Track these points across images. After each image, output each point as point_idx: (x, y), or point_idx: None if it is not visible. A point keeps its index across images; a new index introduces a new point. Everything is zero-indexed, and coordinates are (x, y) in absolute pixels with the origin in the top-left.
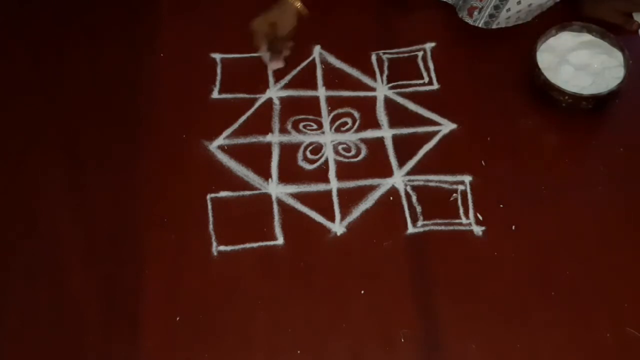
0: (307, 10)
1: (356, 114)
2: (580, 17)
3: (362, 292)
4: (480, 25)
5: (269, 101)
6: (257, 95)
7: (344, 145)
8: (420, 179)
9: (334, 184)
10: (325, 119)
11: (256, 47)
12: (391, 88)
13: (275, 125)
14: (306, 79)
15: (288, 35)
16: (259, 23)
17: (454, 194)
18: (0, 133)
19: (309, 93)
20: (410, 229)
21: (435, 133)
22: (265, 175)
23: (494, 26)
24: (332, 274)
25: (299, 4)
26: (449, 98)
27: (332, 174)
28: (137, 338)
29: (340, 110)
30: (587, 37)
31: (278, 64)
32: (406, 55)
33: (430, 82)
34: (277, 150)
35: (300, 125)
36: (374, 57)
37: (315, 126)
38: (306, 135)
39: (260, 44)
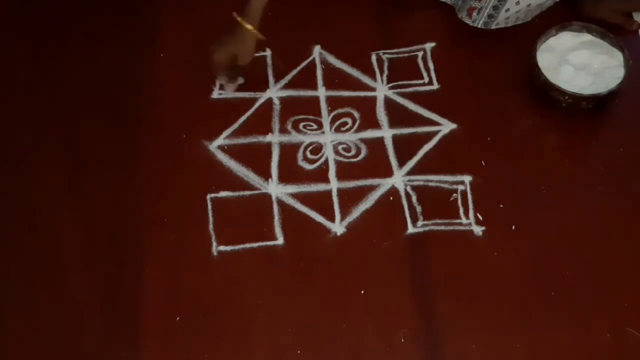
0: (264, 36)
1: (356, 114)
2: (580, 17)
3: (362, 292)
4: (479, 26)
5: (269, 101)
6: (257, 95)
7: (344, 145)
8: (420, 179)
9: (334, 184)
10: (325, 119)
11: (214, 74)
12: (391, 88)
13: (275, 125)
14: (306, 79)
15: (248, 65)
16: (220, 55)
17: (454, 194)
18: (0, 133)
19: (309, 93)
20: (410, 229)
21: (435, 133)
22: (265, 175)
23: (493, 26)
24: (332, 274)
25: (257, 32)
26: (449, 98)
27: (332, 174)
28: (137, 338)
29: (340, 110)
30: (587, 37)
31: (230, 89)
32: (406, 55)
33: (430, 82)
34: (277, 150)
35: (300, 125)
36: (374, 57)
37: (315, 126)
38: (306, 135)
39: (218, 73)
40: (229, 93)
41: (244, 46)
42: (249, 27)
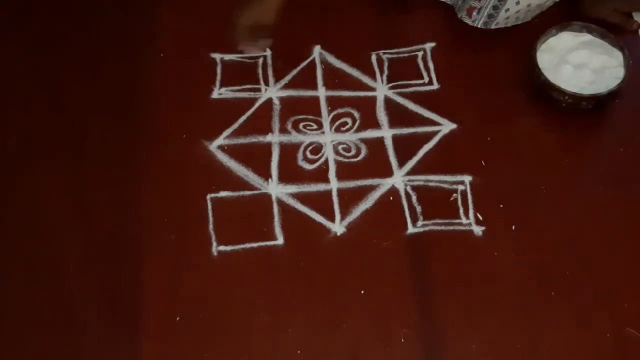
0: None
1: (356, 114)
2: (580, 17)
3: (362, 292)
4: (479, 26)
5: (269, 101)
6: (257, 95)
7: (344, 145)
8: (420, 179)
9: (334, 184)
10: (325, 119)
11: (237, 40)
12: (391, 88)
13: (275, 125)
14: (306, 79)
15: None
16: (243, 18)
17: (454, 194)
18: (0, 133)
19: (309, 93)
20: (410, 229)
21: (435, 133)
22: (265, 175)
23: (493, 26)
24: (332, 274)
25: None
26: (449, 98)
27: (332, 174)
28: (137, 338)
29: (340, 110)
30: (587, 37)
31: (253, 51)
32: (406, 55)
33: (430, 82)
34: (277, 150)
35: (300, 125)
36: (374, 57)
37: (315, 126)
38: (306, 135)
39: (241, 37)
40: (229, 93)
41: (267, 4)
42: None
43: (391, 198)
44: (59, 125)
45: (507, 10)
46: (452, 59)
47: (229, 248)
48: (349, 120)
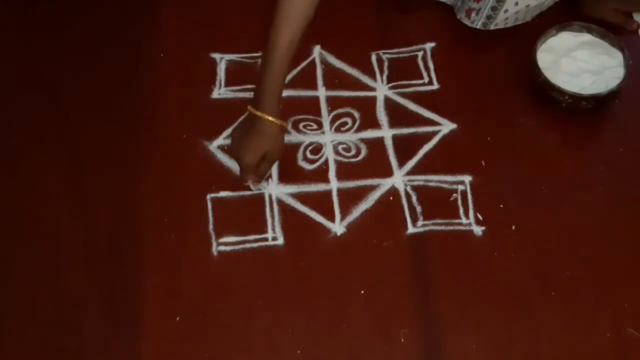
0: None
1: (356, 114)
2: (580, 17)
3: (362, 292)
4: (478, 27)
5: None
6: None
7: (344, 145)
8: (420, 179)
9: (334, 184)
10: (325, 119)
11: (241, 179)
12: (391, 88)
13: None
14: (306, 79)
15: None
16: (251, 157)
17: (454, 194)
18: (0, 133)
19: (309, 93)
20: (410, 229)
21: (435, 133)
22: None
23: (492, 27)
24: (332, 274)
25: (282, 122)
26: (449, 98)
27: (332, 174)
28: (137, 338)
29: (340, 110)
30: (587, 37)
31: (256, 187)
32: (406, 55)
33: (430, 82)
34: None
35: (300, 125)
36: (374, 57)
37: (315, 126)
38: (306, 135)
39: (247, 175)
40: (229, 93)
41: (275, 141)
42: (272, 119)
43: (391, 198)
44: (59, 125)
45: (506, 11)
46: (452, 59)
47: (229, 248)
48: (349, 120)
